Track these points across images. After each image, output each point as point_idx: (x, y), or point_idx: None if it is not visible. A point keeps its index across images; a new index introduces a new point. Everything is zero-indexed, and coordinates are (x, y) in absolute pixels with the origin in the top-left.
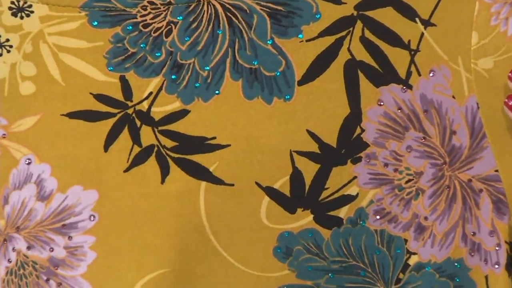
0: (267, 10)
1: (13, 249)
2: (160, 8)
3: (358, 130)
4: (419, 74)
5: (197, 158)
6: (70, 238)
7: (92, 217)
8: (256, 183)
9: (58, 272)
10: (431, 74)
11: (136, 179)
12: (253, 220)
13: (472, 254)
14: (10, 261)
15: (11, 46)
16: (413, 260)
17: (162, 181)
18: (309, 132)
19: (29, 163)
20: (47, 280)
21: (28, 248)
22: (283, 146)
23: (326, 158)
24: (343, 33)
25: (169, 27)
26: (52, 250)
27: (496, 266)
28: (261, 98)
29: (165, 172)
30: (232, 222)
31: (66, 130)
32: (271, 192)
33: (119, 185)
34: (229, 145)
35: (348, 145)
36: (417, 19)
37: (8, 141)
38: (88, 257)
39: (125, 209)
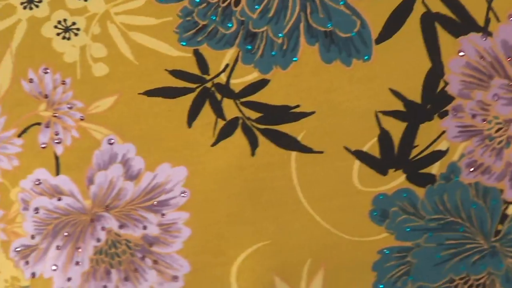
0: None
1: (103, 228)
2: None
3: (442, 84)
4: (498, 20)
5: (284, 128)
6: (163, 215)
7: (183, 193)
8: (345, 147)
9: (153, 249)
10: (511, 19)
11: (225, 153)
12: (346, 185)
13: None
14: (99, 241)
15: (78, 29)
16: (511, 210)
17: (253, 154)
18: (392, 90)
19: (112, 143)
20: (143, 258)
21: (120, 226)
22: (367, 107)
23: (412, 116)
24: None
25: None
26: (145, 228)
27: None
28: (340, 61)
29: (254, 144)
30: (326, 189)
31: (146, 109)
32: (361, 156)
33: (208, 160)
34: (313, 112)
35: (433, 100)
36: None
37: (86, 123)
38: (183, 233)
39: (216, 183)
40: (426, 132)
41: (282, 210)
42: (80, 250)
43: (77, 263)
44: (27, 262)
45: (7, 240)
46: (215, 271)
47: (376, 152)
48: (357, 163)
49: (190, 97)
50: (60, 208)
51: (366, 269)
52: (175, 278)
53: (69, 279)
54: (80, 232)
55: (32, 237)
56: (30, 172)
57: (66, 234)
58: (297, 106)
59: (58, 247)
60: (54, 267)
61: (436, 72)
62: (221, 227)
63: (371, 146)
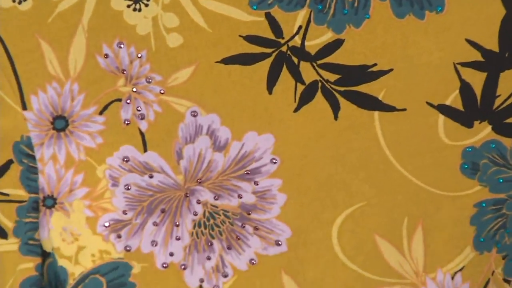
0: None
1: (198, 202)
2: None
3: None
4: None
5: (363, 88)
6: (256, 183)
7: (273, 160)
8: (427, 103)
9: (252, 217)
10: None
11: (308, 118)
12: (434, 141)
13: None
14: (196, 214)
15: (148, 0)
16: None
17: (336, 117)
18: (468, 41)
19: (195, 115)
20: (243, 225)
21: (216, 198)
22: (445, 60)
23: (492, 65)
24: None
25: None
26: (241, 196)
27: None
28: (413, 15)
29: (335, 107)
30: (414, 147)
31: (224, 77)
32: (444, 110)
33: (293, 126)
34: (391, 70)
35: (511, 47)
36: None
37: (167, 96)
38: (279, 199)
39: (304, 149)
40: (507, 81)
41: (372, 171)
42: (178, 225)
43: (177, 238)
44: (118, 236)
45: (94, 216)
46: (315, 234)
47: (459, 105)
48: (441, 118)
49: (267, 62)
50: (153, 186)
51: (465, 224)
52: (278, 242)
53: (171, 254)
54: (176, 208)
55: (124, 212)
56: (116, 149)
57: (162, 210)
58: (374, 64)
59: (155, 223)
60: (153, 243)
61: (511, 19)
62: (315, 191)
63: (453, 99)
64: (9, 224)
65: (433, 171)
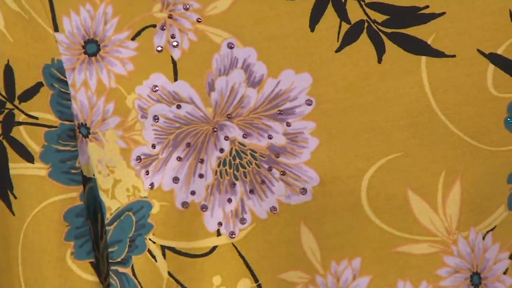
0: None
1: (226, 138)
2: None
3: None
4: None
5: (412, 31)
6: (288, 124)
7: (308, 101)
8: (478, 50)
9: (280, 160)
10: None
11: (350, 59)
12: (481, 91)
13: None
14: (223, 151)
15: None
16: None
17: (379, 60)
18: None
19: (231, 47)
20: (269, 169)
21: (245, 136)
22: (500, 5)
23: None
24: None
25: None
26: (271, 137)
27: None
28: None
29: (380, 50)
30: (459, 96)
31: (265, 10)
32: (495, 59)
33: (333, 66)
34: (443, 13)
35: None
36: None
37: (204, 25)
38: (311, 143)
39: (343, 92)
40: None
41: (414, 119)
42: (203, 162)
43: (201, 175)
44: (147, 172)
45: (127, 148)
46: (344, 184)
47: (511, 55)
48: (491, 67)
49: None
50: (180, 117)
51: (502, 181)
52: (303, 190)
53: (192, 193)
54: (202, 143)
55: (153, 146)
56: (146, 77)
57: (187, 144)
58: (426, 7)
59: (179, 158)
60: (175, 180)
61: None
62: (350, 138)
63: (505, 48)
64: (36, 148)
65: (476, 123)
